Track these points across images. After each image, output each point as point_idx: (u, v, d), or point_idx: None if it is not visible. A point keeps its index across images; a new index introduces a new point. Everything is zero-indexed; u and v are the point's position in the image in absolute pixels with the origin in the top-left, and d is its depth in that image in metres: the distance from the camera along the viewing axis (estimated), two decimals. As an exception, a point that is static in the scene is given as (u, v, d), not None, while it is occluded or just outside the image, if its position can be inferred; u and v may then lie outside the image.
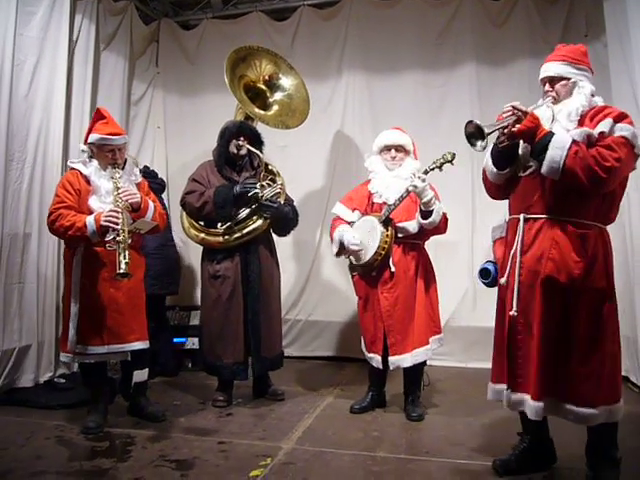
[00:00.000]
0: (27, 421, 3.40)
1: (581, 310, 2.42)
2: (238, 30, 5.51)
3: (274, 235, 4.03)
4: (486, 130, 2.38)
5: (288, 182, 4.11)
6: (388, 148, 3.64)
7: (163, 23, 5.79)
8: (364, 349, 3.66)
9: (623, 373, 3.99)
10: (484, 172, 2.73)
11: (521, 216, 2.54)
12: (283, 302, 4.26)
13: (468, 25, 5.06)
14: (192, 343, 4.80)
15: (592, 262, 2.43)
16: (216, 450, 2.98)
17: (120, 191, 3.17)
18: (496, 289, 2.72)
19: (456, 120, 4.98)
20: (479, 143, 2.41)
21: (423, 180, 3.32)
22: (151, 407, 3.51)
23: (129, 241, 3.05)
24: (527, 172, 2.55)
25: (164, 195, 5.01)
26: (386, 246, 3.42)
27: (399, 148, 3.63)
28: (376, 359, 3.51)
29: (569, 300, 2.43)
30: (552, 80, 2.57)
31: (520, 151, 2.56)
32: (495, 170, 2.62)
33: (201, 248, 4.00)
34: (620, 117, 2.40)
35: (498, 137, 2.52)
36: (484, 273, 2.82)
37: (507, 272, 2.57)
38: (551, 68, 2.58)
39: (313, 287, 5.32)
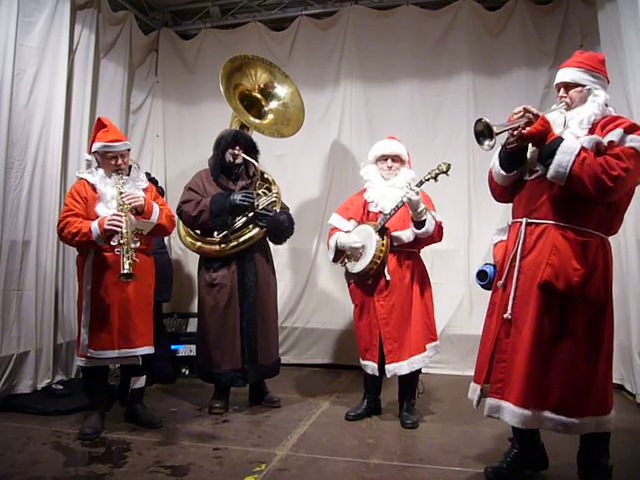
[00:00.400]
0: (24, 427, 3.42)
1: (577, 319, 2.41)
2: (237, 40, 5.56)
3: (270, 243, 4.05)
4: (495, 130, 2.37)
5: (285, 191, 4.14)
6: (384, 158, 3.67)
7: (162, 33, 5.84)
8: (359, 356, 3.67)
9: (618, 381, 4.02)
10: (490, 173, 2.72)
11: (523, 220, 2.53)
12: (280, 310, 4.28)
13: (464, 35, 5.10)
14: (189, 350, 4.81)
15: (591, 271, 2.42)
16: (211, 456, 2.99)
17: (123, 195, 3.23)
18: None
19: (452, 129, 5.08)
20: (487, 142, 2.40)
21: (417, 193, 3.35)
22: (148, 414, 3.53)
23: (135, 244, 3.10)
24: (533, 176, 2.54)
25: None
26: (382, 255, 3.45)
27: (395, 158, 3.66)
28: (371, 366, 3.53)
29: (565, 307, 2.41)
30: (567, 86, 2.56)
31: (528, 154, 2.56)
32: (502, 172, 2.61)
33: (198, 256, 4.02)
34: (631, 128, 2.39)
35: (507, 138, 2.51)
36: (482, 275, 2.80)
37: (505, 275, 2.56)
38: (567, 74, 2.56)
39: (310, 295, 5.34)
